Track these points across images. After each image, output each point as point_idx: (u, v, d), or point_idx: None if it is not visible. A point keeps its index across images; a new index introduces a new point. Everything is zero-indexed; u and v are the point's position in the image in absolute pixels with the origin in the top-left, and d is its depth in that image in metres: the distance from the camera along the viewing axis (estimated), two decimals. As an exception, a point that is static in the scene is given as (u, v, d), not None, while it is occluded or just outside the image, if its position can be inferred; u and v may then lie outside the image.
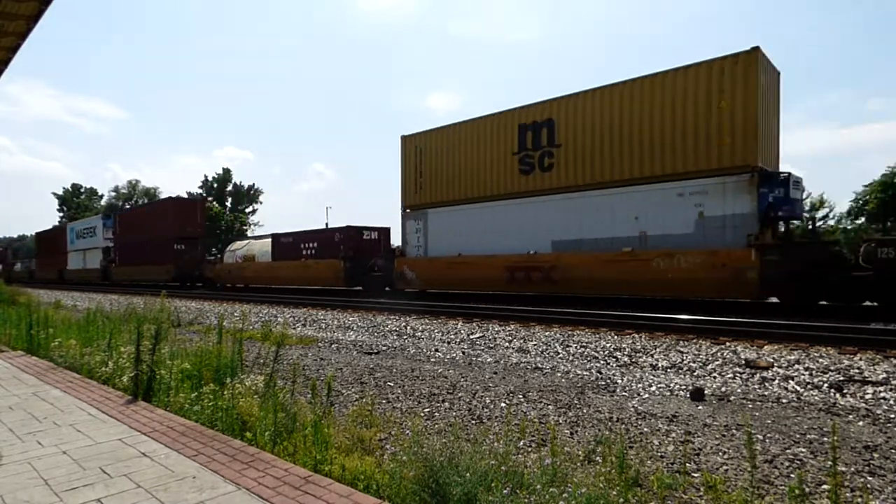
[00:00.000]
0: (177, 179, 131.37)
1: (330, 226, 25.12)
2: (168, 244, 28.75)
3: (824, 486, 3.33)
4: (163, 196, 70.41)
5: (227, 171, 67.14)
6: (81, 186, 78.35)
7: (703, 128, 12.31)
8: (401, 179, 18.98)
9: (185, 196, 54.18)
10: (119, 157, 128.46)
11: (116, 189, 77.25)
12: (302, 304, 17.33)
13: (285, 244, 24.94)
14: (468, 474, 2.90)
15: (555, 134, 14.95)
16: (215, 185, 66.20)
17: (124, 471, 3.30)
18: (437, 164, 17.96)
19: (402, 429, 4.55)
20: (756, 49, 11.72)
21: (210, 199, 63.04)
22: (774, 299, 12.17)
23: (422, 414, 5.14)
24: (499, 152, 16.22)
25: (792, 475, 3.54)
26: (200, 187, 66.77)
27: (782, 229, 12.70)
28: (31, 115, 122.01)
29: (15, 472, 3.29)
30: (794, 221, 13.15)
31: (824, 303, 11.29)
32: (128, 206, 69.85)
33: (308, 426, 3.82)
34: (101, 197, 78.57)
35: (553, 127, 14.97)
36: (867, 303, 10.71)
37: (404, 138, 19.00)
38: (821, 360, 7.02)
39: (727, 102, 11.87)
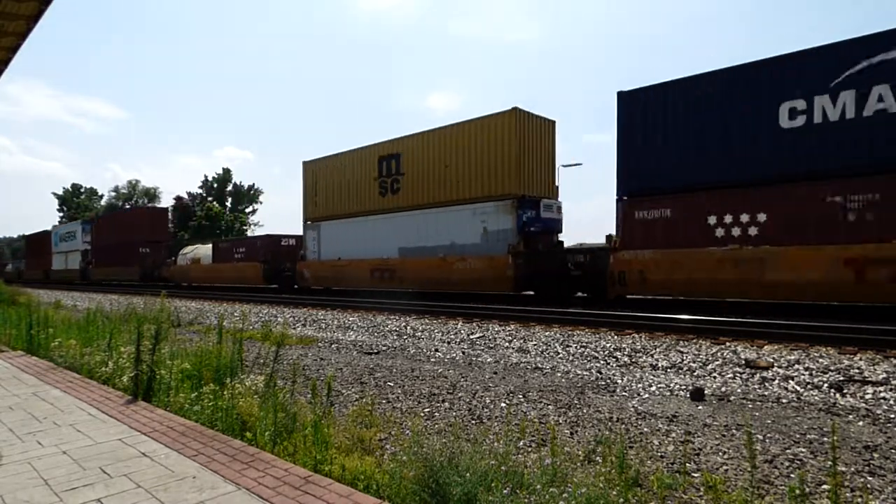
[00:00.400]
0: (177, 179, 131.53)
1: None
2: (135, 248, 33.08)
3: (824, 486, 3.33)
4: (162, 196, 70.88)
5: (227, 171, 67.17)
6: (81, 186, 78.40)
7: (488, 165, 16.61)
8: (302, 196, 23.64)
9: (178, 198, 56.98)
10: (119, 157, 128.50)
11: (116, 189, 77.30)
12: (302, 304, 17.36)
13: (223, 249, 29.90)
14: (468, 474, 2.90)
15: (400, 164, 19.37)
16: (215, 185, 66.21)
17: (124, 471, 3.30)
18: (327, 185, 22.43)
19: (402, 429, 4.55)
20: (514, 109, 16.03)
21: (210, 199, 63.18)
22: (531, 292, 16.06)
23: (422, 414, 5.14)
24: (366, 177, 20.67)
25: (792, 475, 3.54)
26: (200, 187, 66.80)
27: (556, 241, 17.35)
28: (30, 115, 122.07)
29: (15, 472, 3.29)
30: (559, 234, 17.67)
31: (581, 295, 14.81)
32: (128, 206, 70.09)
33: (308, 426, 3.82)
34: (101, 197, 78.61)
35: (399, 159, 19.41)
36: (579, 294, 14.78)
37: (305, 164, 23.54)
38: (821, 360, 7.02)
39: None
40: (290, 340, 10.10)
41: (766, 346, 7.99)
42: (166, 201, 66.65)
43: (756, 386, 6.22)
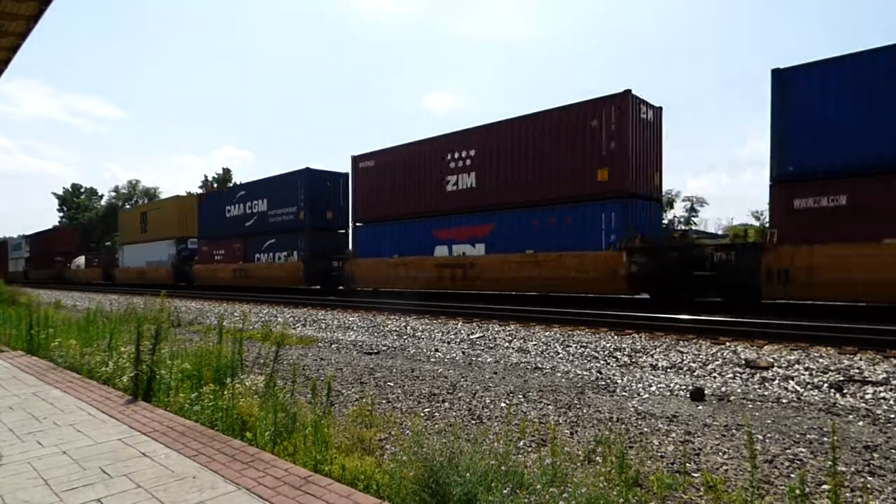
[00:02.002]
0: (176, 179, 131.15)
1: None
2: (53, 257, 45.97)
3: (824, 486, 3.33)
4: (162, 196, 71.47)
5: (226, 171, 67.30)
6: (81, 186, 78.35)
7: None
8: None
9: (181, 198, 59.92)
10: (118, 156, 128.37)
11: (116, 189, 77.22)
12: (302, 304, 17.35)
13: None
14: (468, 474, 2.90)
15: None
16: (215, 185, 66.28)
17: (124, 471, 3.30)
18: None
19: (402, 429, 4.55)
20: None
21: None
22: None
23: (422, 414, 5.14)
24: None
25: (792, 475, 3.54)
26: (200, 187, 66.94)
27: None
28: (29, 115, 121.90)
29: (15, 472, 3.29)
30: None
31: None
32: (128, 206, 70.31)
33: (308, 426, 3.82)
34: (101, 197, 78.55)
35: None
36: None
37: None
38: (821, 360, 7.02)
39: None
40: (290, 340, 10.10)
41: (766, 346, 7.99)
42: (166, 201, 66.68)
43: (756, 386, 6.22)
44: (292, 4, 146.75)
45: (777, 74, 11.41)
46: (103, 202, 76.99)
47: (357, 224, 20.20)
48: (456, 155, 16.87)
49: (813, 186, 10.77)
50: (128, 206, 69.88)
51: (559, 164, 14.47)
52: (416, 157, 18.07)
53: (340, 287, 21.17)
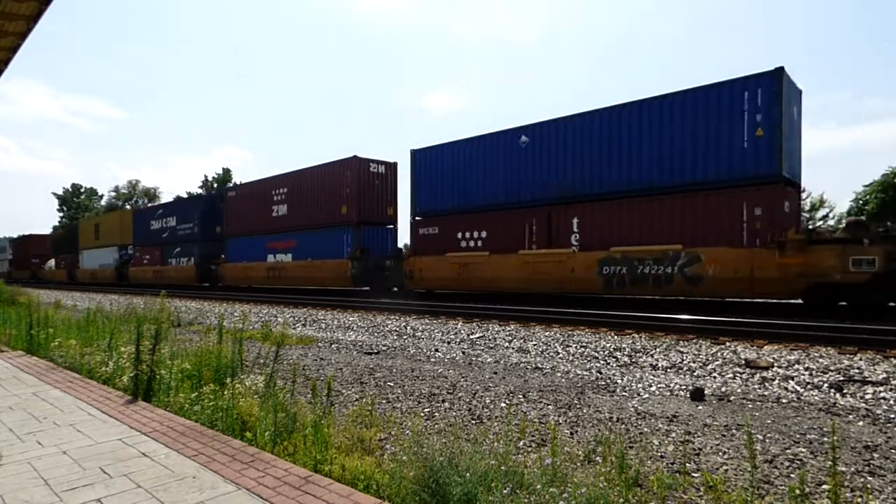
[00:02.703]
0: (176, 179, 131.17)
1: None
2: (28, 259, 52.44)
3: (824, 486, 3.34)
4: (162, 195, 71.56)
5: (227, 171, 67.21)
6: (81, 186, 78.32)
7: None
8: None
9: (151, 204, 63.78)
10: (118, 156, 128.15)
11: (117, 189, 77.22)
12: (302, 304, 17.36)
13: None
14: (468, 474, 2.91)
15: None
16: (215, 185, 66.27)
17: (124, 471, 3.30)
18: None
19: (402, 429, 4.55)
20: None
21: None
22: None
23: (422, 414, 5.14)
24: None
25: (792, 475, 3.54)
26: (200, 187, 66.89)
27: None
28: (29, 115, 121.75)
29: (15, 472, 3.29)
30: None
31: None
32: (128, 206, 70.48)
33: (308, 426, 3.82)
34: (101, 197, 78.55)
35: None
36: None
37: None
38: (821, 360, 7.02)
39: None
40: (290, 340, 10.10)
41: (766, 346, 7.99)
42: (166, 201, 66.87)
43: (756, 386, 6.22)
44: (292, 5, 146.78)
45: (412, 153, 18.46)
46: (103, 202, 76.98)
47: (227, 238, 26.81)
48: (278, 191, 23.97)
49: (427, 221, 18.06)
50: (128, 206, 70.20)
51: (324, 201, 21.56)
52: (258, 191, 25.10)
53: (220, 284, 27.75)
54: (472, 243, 16.83)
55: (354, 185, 20.32)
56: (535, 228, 15.39)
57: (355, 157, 20.50)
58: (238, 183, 27.01)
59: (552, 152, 15.11)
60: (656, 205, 13.04)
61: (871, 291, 10.52)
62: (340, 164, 20.89)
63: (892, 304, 10.77)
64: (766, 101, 11.81)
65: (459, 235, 17.09)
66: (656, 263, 12.85)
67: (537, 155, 15.44)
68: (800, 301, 11.91)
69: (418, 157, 18.37)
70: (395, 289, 19.86)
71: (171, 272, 29.85)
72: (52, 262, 49.02)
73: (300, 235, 22.55)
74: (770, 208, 11.47)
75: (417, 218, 18.48)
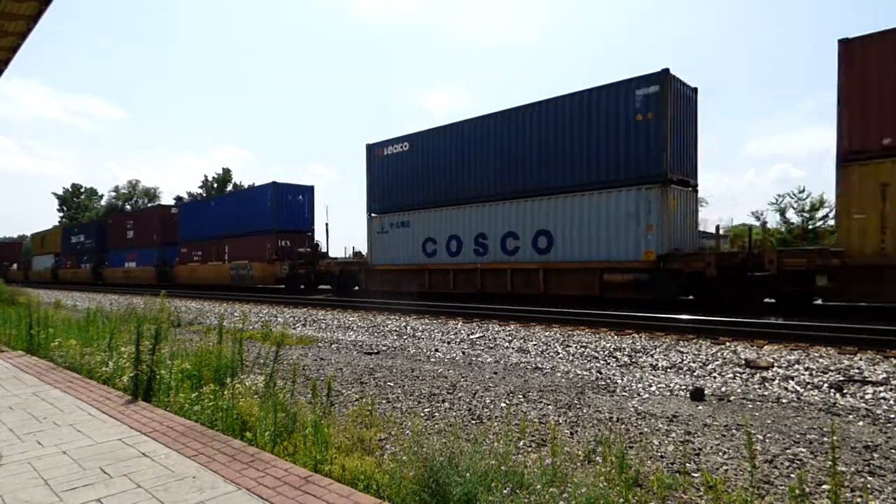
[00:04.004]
0: (176, 179, 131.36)
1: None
2: (2, 262, 57.79)
3: (824, 486, 3.34)
4: (162, 195, 72.19)
5: (226, 171, 67.19)
6: (81, 186, 78.23)
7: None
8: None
9: (178, 199, 66.83)
10: (117, 156, 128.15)
11: (117, 189, 77.07)
12: (302, 304, 17.36)
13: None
14: (468, 474, 2.90)
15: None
16: (215, 185, 66.24)
17: (124, 471, 3.30)
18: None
19: (402, 429, 4.55)
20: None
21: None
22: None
23: (422, 414, 5.14)
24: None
25: (792, 475, 3.54)
26: (200, 187, 66.85)
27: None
28: (29, 115, 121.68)
29: (15, 472, 3.29)
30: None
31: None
32: (128, 206, 70.46)
33: (308, 426, 3.82)
34: (101, 197, 78.45)
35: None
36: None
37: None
38: (821, 360, 7.02)
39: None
40: (289, 340, 10.10)
41: (766, 346, 7.99)
42: (166, 201, 66.91)
43: (756, 386, 6.22)
44: (292, 5, 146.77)
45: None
46: (103, 202, 76.87)
47: (110, 249, 37.18)
48: (128, 223, 35.51)
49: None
50: (128, 207, 70.23)
51: (138, 233, 33.95)
52: (119, 221, 37.26)
53: (100, 282, 38.01)
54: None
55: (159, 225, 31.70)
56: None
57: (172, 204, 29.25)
58: (116, 213, 45.36)
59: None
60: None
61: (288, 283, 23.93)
62: (151, 210, 32.54)
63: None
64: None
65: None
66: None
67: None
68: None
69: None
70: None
71: (81, 273, 41.00)
72: (15, 265, 61.31)
73: (139, 251, 33.66)
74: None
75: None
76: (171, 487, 3.06)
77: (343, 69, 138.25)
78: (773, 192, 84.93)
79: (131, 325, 7.49)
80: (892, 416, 4.93)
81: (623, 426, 4.68)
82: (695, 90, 13.99)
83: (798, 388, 6.07)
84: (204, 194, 64.67)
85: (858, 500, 3.18)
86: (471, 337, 10.12)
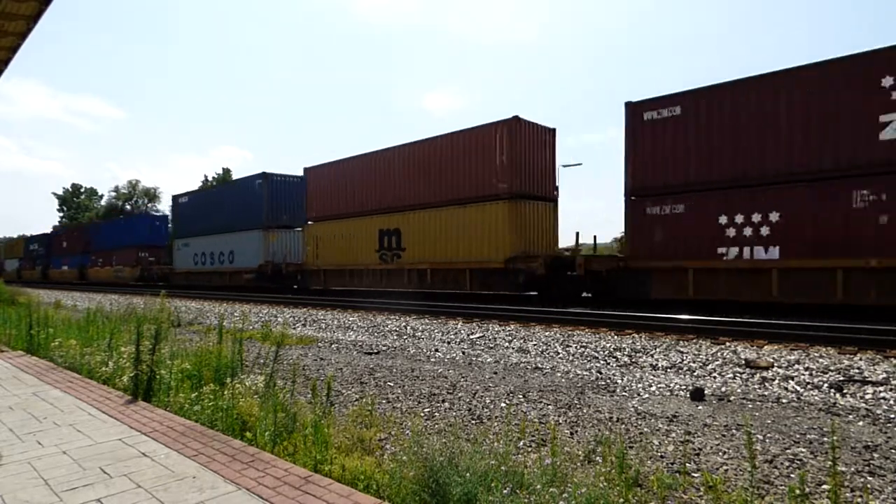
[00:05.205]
0: (176, 179, 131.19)
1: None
2: None
3: (824, 486, 3.34)
4: (162, 195, 72.72)
5: (226, 171, 67.25)
6: (81, 186, 78.22)
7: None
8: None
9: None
10: (117, 156, 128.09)
11: (117, 189, 76.93)
12: (302, 304, 17.36)
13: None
14: (468, 474, 2.90)
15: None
16: (215, 185, 66.27)
17: (124, 471, 3.30)
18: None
19: (402, 429, 4.55)
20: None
21: None
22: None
23: (422, 414, 5.14)
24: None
25: (792, 475, 3.54)
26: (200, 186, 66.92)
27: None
28: (29, 115, 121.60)
29: (15, 472, 3.29)
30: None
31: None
32: (128, 206, 70.54)
33: (308, 426, 3.82)
34: (101, 197, 78.41)
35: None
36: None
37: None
38: (821, 360, 7.02)
39: None
40: (289, 340, 10.10)
41: (766, 346, 7.99)
42: (166, 201, 67.02)
43: (756, 386, 6.22)
44: (292, 5, 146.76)
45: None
46: (103, 202, 76.82)
47: (54, 256, 44.75)
48: (63, 238, 44.12)
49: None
50: (128, 207, 70.18)
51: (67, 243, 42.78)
52: (57, 236, 45.62)
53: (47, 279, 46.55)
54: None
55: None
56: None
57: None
58: (62, 228, 54.00)
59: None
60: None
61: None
62: (76, 227, 35.37)
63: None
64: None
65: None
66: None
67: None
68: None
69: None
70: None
71: (35, 274, 49.51)
72: None
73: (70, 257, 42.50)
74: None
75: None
76: (171, 487, 3.06)
77: (343, 69, 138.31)
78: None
79: (131, 325, 7.49)
80: (892, 416, 4.93)
81: (623, 426, 4.68)
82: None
83: (798, 388, 6.07)
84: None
85: (858, 500, 3.18)
86: (471, 337, 10.12)
